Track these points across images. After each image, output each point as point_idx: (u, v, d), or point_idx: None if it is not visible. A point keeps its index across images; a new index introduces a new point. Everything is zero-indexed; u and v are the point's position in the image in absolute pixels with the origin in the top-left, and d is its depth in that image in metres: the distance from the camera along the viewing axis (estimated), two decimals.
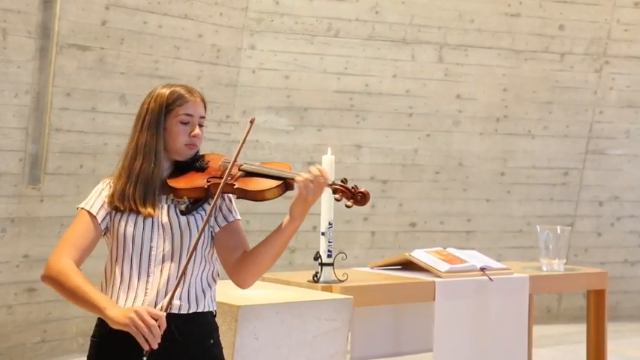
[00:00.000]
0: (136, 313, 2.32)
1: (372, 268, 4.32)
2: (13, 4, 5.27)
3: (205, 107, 2.58)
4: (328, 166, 3.67)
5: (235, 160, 2.53)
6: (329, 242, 3.77)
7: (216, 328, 2.58)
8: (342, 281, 3.75)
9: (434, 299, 3.99)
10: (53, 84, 5.51)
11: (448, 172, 7.15)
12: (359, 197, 2.53)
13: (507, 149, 7.30)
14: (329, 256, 3.75)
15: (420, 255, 4.20)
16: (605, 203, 7.57)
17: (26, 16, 5.35)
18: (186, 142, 2.53)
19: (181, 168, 2.56)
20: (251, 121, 2.57)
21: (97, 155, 5.81)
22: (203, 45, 6.24)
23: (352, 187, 2.54)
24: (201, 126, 2.56)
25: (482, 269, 4.17)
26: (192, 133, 2.53)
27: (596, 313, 4.69)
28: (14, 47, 5.32)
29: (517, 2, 7.15)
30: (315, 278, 3.75)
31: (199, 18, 6.19)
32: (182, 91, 2.54)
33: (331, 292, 3.66)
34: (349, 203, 2.53)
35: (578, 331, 6.66)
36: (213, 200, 2.47)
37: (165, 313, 2.37)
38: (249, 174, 2.55)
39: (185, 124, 2.52)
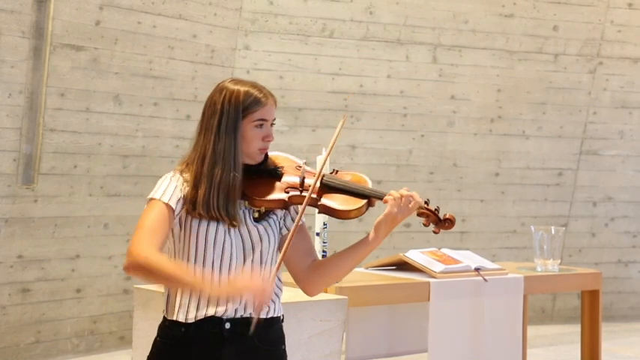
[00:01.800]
0: (244, 287, 2.26)
1: (367, 268, 4.32)
2: (6, 3, 5.26)
3: (276, 105, 2.52)
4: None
5: (320, 175, 2.47)
6: (324, 243, 3.77)
7: (284, 335, 2.55)
8: (337, 282, 3.75)
9: (428, 299, 3.99)
10: (47, 84, 5.50)
11: (442, 172, 7.16)
12: (446, 224, 2.52)
13: (501, 150, 7.30)
14: (324, 256, 3.75)
15: (414, 255, 4.21)
16: (599, 204, 7.58)
17: (20, 15, 5.34)
18: (260, 147, 2.47)
19: (253, 172, 2.49)
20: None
21: (91, 155, 5.79)
22: (197, 45, 6.24)
23: (436, 209, 2.52)
24: (272, 125, 2.50)
25: (477, 270, 4.18)
26: (267, 138, 2.47)
27: (590, 314, 4.69)
28: (8, 47, 5.30)
29: (511, 3, 7.16)
30: None
31: (193, 18, 6.19)
32: (257, 94, 2.46)
33: (326, 292, 3.66)
34: (436, 229, 2.52)
35: (573, 332, 6.68)
36: (299, 214, 2.44)
37: (271, 279, 2.32)
38: (332, 188, 2.49)
39: (259, 127, 2.46)
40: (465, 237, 7.22)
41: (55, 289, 5.73)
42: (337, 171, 2.60)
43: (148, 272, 2.31)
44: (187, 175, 2.45)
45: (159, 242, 2.35)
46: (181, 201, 2.41)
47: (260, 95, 2.46)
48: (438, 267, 4.10)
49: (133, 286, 5.33)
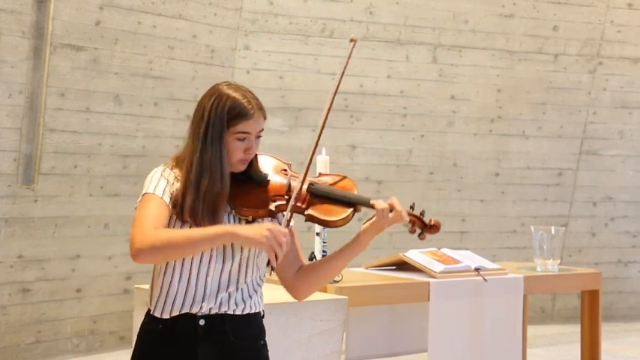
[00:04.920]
0: (270, 231, 2.31)
1: (367, 268, 4.32)
2: (6, 3, 5.26)
3: (265, 118, 2.50)
4: (323, 166, 3.67)
5: (303, 182, 2.45)
6: (323, 242, 3.78)
7: (264, 329, 2.56)
8: (337, 281, 3.75)
9: (428, 299, 3.99)
10: (47, 84, 5.50)
11: (442, 172, 7.16)
12: (432, 230, 2.54)
13: (501, 150, 7.31)
14: (324, 256, 3.75)
15: (414, 255, 4.21)
16: (599, 204, 7.58)
17: (20, 15, 5.34)
18: (240, 158, 2.46)
19: (238, 179, 2.48)
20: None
21: (91, 155, 5.80)
22: (197, 45, 6.24)
23: (421, 213, 2.53)
24: (258, 137, 2.49)
25: (477, 270, 4.18)
26: (248, 151, 2.46)
27: (590, 314, 4.69)
28: (8, 47, 5.31)
29: (511, 3, 7.16)
30: None
31: (193, 18, 6.19)
32: (244, 106, 2.44)
33: (326, 292, 3.66)
34: (422, 236, 2.54)
35: (573, 332, 6.68)
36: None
37: (287, 230, 2.36)
38: (319, 197, 2.48)
39: (241, 140, 2.45)
40: (465, 237, 7.22)
41: (55, 289, 5.73)
42: (320, 174, 2.59)
43: (162, 250, 2.31)
44: (177, 171, 2.47)
45: (161, 227, 2.37)
46: (172, 199, 2.43)
47: (247, 107, 2.44)
48: (437, 267, 4.10)
49: (133, 286, 5.34)
